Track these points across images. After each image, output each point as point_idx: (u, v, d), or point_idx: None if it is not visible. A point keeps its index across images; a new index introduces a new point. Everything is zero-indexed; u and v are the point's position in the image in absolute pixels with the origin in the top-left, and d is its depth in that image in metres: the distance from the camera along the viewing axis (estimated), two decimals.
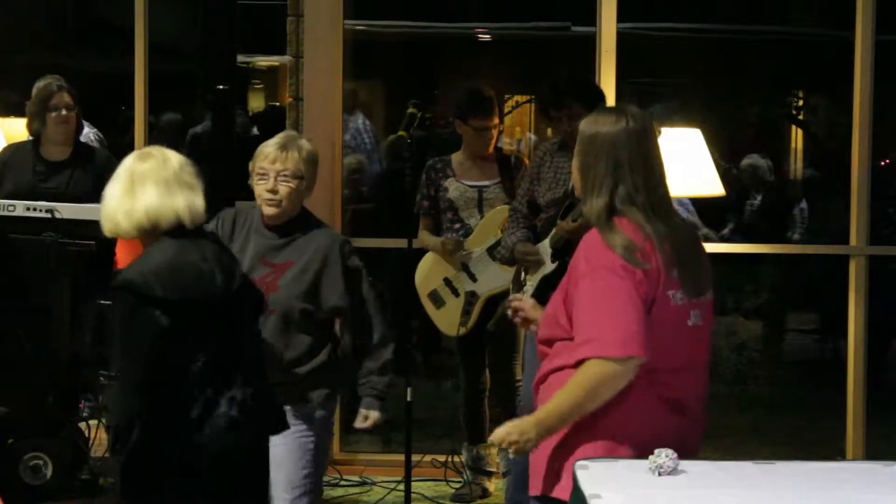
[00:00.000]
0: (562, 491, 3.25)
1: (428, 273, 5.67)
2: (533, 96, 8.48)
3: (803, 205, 8.32)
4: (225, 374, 3.55)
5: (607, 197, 3.27)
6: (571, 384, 3.18)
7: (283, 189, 4.10)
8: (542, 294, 4.93)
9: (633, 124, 3.31)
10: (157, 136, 9.39)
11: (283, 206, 4.12)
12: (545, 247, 4.92)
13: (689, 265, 3.28)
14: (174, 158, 3.63)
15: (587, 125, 3.36)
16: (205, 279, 3.54)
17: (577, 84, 4.98)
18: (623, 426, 3.22)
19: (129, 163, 3.63)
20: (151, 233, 3.56)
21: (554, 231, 4.84)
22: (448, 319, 5.68)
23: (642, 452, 3.08)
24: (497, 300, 5.53)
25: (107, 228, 3.61)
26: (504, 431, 3.23)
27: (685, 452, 3.14)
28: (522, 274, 5.03)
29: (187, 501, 3.56)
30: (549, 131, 5.81)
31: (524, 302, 3.73)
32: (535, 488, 3.40)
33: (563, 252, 4.78)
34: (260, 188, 4.12)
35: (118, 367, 3.58)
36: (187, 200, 3.57)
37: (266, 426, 3.75)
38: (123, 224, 3.56)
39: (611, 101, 5.99)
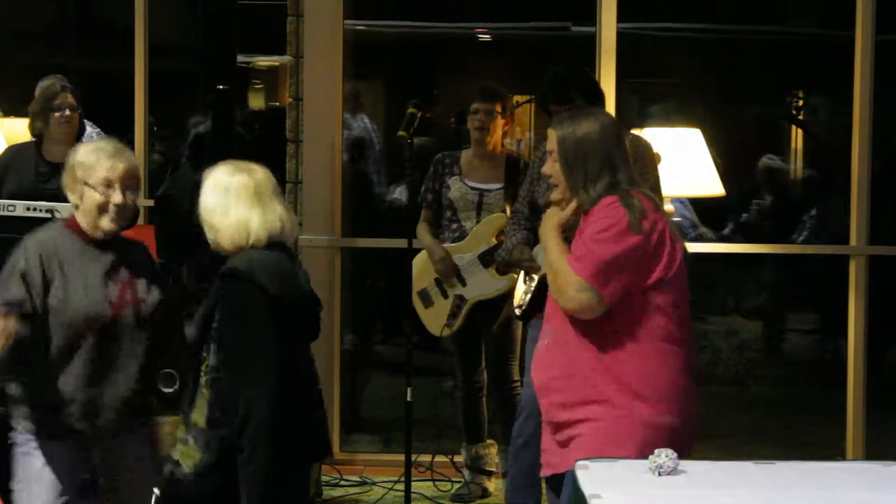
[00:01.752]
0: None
1: (420, 271, 5.68)
2: (533, 96, 8.46)
3: (807, 205, 8.32)
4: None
5: (605, 182, 3.48)
6: (558, 254, 3.50)
7: (131, 199, 3.86)
8: (538, 306, 4.93)
9: (609, 123, 3.57)
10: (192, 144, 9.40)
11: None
12: (541, 248, 4.92)
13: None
14: (262, 172, 3.67)
15: (565, 129, 3.54)
16: (297, 284, 3.61)
17: (579, 78, 4.97)
18: (664, 389, 3.44)
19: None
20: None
21: None
22: (435, 319, 5.69)
23: (684, 422, 3.40)
24: (485, 306, 5.55)
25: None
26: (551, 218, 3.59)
27: (698, 419, 3.50)
28: (523, 276, 5.04)
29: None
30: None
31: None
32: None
33: None
34: (100, 199, 3.82)
35: (237, 360, 3.49)
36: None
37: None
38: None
39: (611, 100, 6.00)
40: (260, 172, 3.65)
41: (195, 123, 9.18)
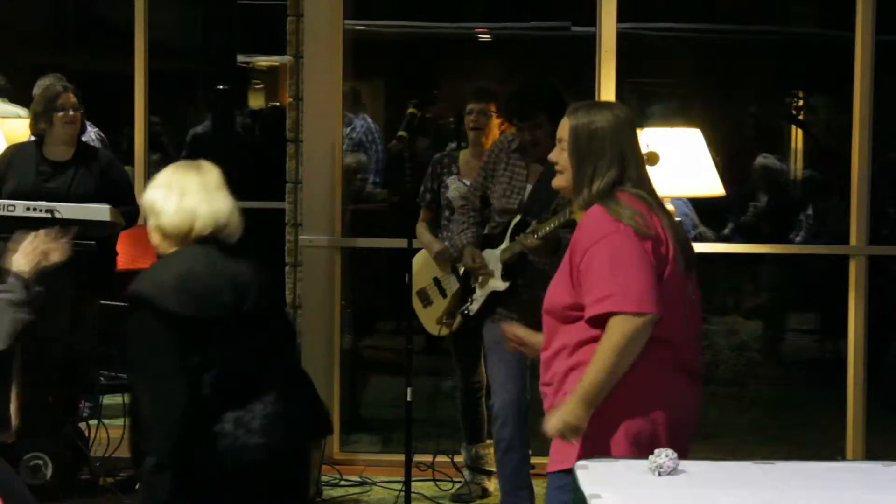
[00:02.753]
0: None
1: (419, 271, 5.68)
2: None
3: (806, 205, 8.32)
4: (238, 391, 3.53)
5: (609, 180, 3.40)
6: (600, 350, 3.28)
7: None
8: (489, 310, 4.96)
9: (625, 118, 3.48)
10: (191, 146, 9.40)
11: None
12: (494, 257, 4.93)
13: (682, 241, 3.47)
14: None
15: (580, 119, 3.47)
16: (216, 294, 3.52)
17: (543, 94, 4.93)
18: (651, 396, 3.36)
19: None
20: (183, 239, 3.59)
21: (509, 245, 4.87)
22: (433, 318, 5.70)
23: (671, 421, 3.32)
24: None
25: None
26: (558, 420, 3.31)
27: (692, 418, 3.45)
28: (470, 279, 5.10)
29: None
30: None
31: (517, 329, 3.80)
32: (562, 462, 3.43)
33: (515, 271, 4.86)
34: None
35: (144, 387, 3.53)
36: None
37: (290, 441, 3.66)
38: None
39: (611, 101, 6.00)
40: (207, 167, 3.71)
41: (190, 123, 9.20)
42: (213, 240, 3.61)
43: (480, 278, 5.02)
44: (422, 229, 5.75)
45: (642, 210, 3.37)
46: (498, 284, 4.94)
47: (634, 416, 3.36)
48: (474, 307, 5.08)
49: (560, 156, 3.50)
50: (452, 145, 6.44)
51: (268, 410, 3.52)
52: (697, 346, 3.56)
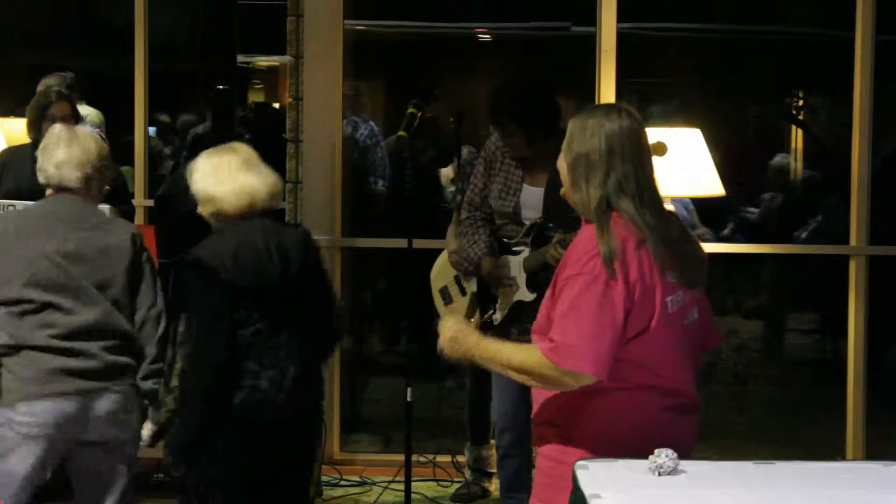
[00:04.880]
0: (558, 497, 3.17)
1: (441, 269, 5.65)
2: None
3: (807, 205, 8.32)
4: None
5: (601, 187, 3.20)
6: (517, 352, 3.23)
7: None
8: (512, 322, 4.84)
9: (627, 117, 3.26)
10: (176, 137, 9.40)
11: None
12: (517, 264, 4.80)
13: (682, 258, 3.25)
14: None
15: (574, 125, 3.29)
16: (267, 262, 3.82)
17: (514, 99, 4.84)
18: (621, 423, 3.20)
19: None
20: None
21: (532, 254, 4.73)
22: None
23: (642, 446, 3.04)
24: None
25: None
26: (451, 331, 3.32)
27: (685, 445, 3.15)
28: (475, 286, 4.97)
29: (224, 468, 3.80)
30: None
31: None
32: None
33: (542, 281, 4.61)
34: None
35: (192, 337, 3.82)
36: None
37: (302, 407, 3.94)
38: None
39: (611, 101, 6.00)
40: (241, 147, 4.01)
41: (186, 122, 9.19)
42: (268, 211, 3.91)
43: (502, 290, 4.89)
44: (450, 233, 5.71)
45: (629, 246, 3.15)
46: (524, 295, 4.78)
47: (593, 441, 3.20)
48: (498, 317, 4.95)
49: (560, 163, 3.33)
50: (472, 149, 6.42)
51: (296, 373, 3.83)
52: (688, 368, 3.31)
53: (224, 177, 3.89)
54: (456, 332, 3.32)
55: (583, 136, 3.25)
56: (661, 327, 3.17)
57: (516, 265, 4.82)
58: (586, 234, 3.22)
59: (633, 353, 3.17)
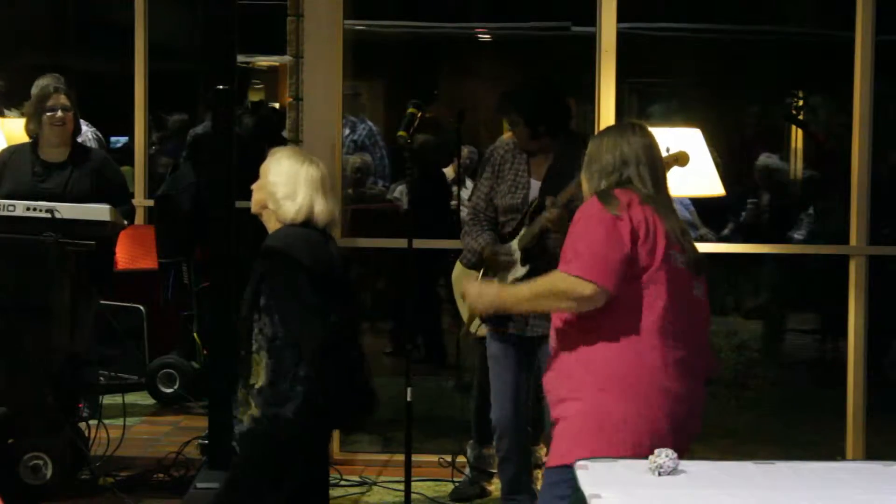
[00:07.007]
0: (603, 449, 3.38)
1: (461, 273, 5.63)
2: None
3: (806, 205, 8.33)
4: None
5: (613, 181, 3.56)
6: (534, 282, 3.62)
7: None
8: None
9: (640, 133, 3.63)
10: (167, 137, 9.39)
11: None
12: (514, 248, 4.91)
13: (689, 244, 3.57)
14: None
15: (594, 139, 3.69)
16: (328, 257, 4.06)
17: (523, 97, 4.95)
18: (638, 384, 3.43)
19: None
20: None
21: (527, 229, 4.82)
22: (471, 317, 5.67)
23: (670, 411, 3.40)
24: None
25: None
26: (475, 287, 3.80)
27: (693, 416, 3.49)
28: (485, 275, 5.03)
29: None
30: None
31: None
32: (560, 458, 3.50)
33: (534, 255, 4.79)
34: None
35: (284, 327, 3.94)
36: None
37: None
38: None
39: (611, 100, 6.01)
40: (321, 165, 4.17)
41: (180, 122, 9.19)
42: (321, 229, 4.13)
43: (501, 272, 4.97)
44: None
45: (634, 201, 3.47)
46: (518, 271, 4.86)
47: (630, 399, 3.42)
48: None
49: (582, 181, 3.69)
50: (472, 149, 6.41)
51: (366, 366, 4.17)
52: (702, 346, 3.58)
53: (298, 189, 4.06)
54: (480, 287, 3.80)
55: (599, 152, 3.62)
56: (666, 271, 3.46)
57: (514, 247, 4.88)
58: (590, 200, 3.55)
59: (644, 292, 3.45)
